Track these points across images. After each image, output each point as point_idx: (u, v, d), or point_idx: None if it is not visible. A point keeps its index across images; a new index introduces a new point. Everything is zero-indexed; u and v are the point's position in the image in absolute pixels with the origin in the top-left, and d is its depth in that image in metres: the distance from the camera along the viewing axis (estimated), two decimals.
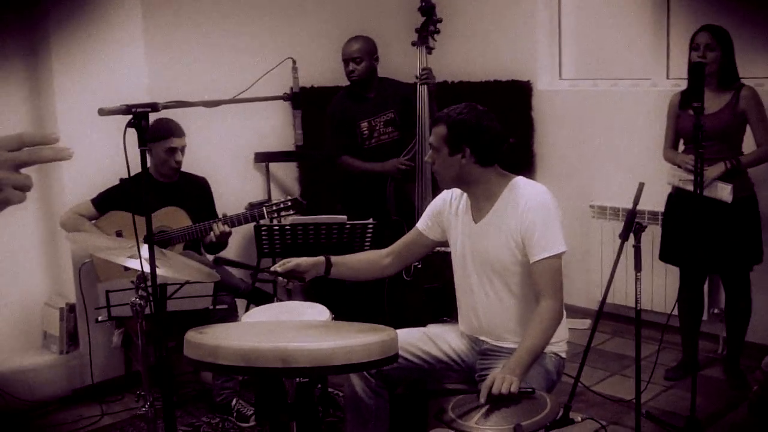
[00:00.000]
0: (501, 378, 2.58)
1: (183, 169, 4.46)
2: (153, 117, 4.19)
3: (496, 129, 2.95)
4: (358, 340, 2.46)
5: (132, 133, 2.37)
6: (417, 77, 4.45)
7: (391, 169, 4.55)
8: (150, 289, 3.29)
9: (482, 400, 2.56)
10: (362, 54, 4.64)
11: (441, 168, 2.98)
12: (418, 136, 4.38)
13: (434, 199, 3.23)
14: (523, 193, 2.92)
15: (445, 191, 3.16)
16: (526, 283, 2.92)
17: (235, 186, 5.30)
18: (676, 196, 4.45)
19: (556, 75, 5.75)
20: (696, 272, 4.40)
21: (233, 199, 4.95)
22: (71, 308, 4.53)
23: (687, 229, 4.24)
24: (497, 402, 2.56)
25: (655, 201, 4.96)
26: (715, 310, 4.80)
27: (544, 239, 2.83)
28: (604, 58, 5.61)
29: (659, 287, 5.01)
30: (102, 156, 4.17)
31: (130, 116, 2.35)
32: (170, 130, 4.30)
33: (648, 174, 4.92)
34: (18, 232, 4.53)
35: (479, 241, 2.98)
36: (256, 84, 2.98)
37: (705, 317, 4.75)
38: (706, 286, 4.68)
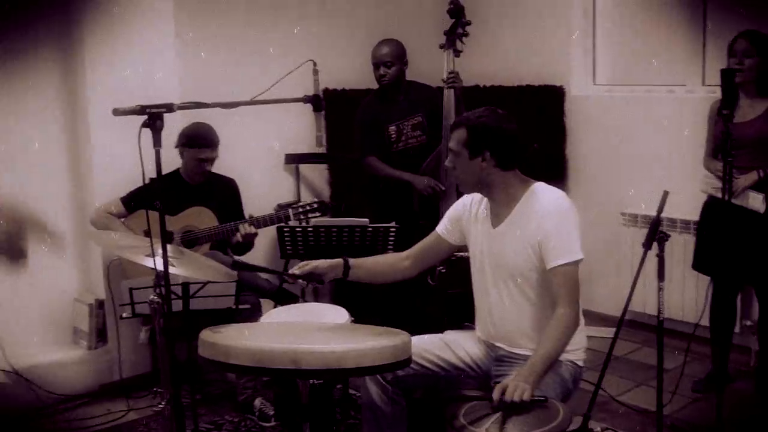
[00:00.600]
0: (513, 385, 2.56)
1: (214, 168, 4.51)
2: (191, 119, 4.32)
3: (516, 132, 2.93)
4: (369, 343, 2.46)
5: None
6: (444, 81, 4.44)
7: (422, 187, 4.53)
8: (169, 288, 3.35)
9: (494, 407, 2.54)
10: (393, 58, 4.65)
11: (461, 172, 2.97)
12: (444, 140, 4.37)
13: (454, 204, 3.22)
14: (542, 198, 2.89)
15: (465, 195, 3.14)
16: (543, 290, 2.89)
17: (265, 187, 5.34)
18: (710, 204, 4.38)
19: (590, 80, 5.69)
20: (729, 283, 4.32)
21: (263, 200, 4.98)
22: (100, 304, 4.60)
23: (720, 239, 4.16)
24: (509, 409, 2.54)
25: (687, 209, 4.90)
26: (748, 322, 4.71)
27: (561, 246, 2.80)
28: (638, 63, 5.54)
29: (690, 297, 4.93)
30: (133, 155, 4.22)
31: (145, 116, 2.36)
32: (204, 140, 4.34)
33: (682, 182, 4.88)
34: (50, 229, 4.60)
35: (497, 246, 2.96)
36: (283, 86, 2.99)
37: (737, 329, 4.66)
38: (739, 297, 4.60)
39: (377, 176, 4.75)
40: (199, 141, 4.33)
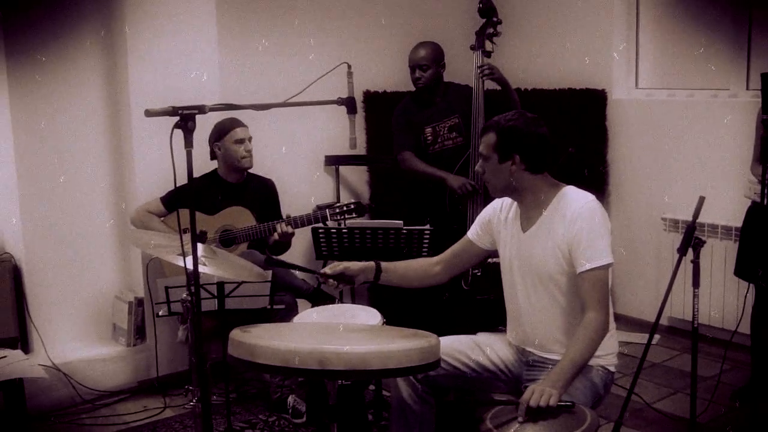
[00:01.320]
0: (540, 390, 2.54)
1: (254, 170, 4.55)
2: (216, 119, 4.39)
3: (546, 135, 2.92)
4: (396, 345, 2.46)
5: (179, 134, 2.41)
6: (477, 75, 4.44)
7: (457, 185, 4.52)
8: (202, 287, 3.39)
9: (520, 412, 2.53)
10: (429, 61, 4.65)
11: (491, 176, 2.96)
12: (473, 136, 4.37)
13: (485, 208, 3.21)
14: (572, 202, 2.87)
15: (495, 200, 3.13)
16: (573, 294, 2.87)
17: (305, 188, 5.38)
18: (753, 210, 4.30)
19: (633, 84, 5.63)
20: None
21: (303, 200, 5.01)
22: (140, 302, 4.67)
23: (764, 245, 4.08)
24: (535, 415, 2.53)
25: (729, 215, 4.83)
26: None
27: (591, 250, 2.78)
28: (682, 67, 5.47)
29: (731, 304, 4.86)
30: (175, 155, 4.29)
31: (177, 118, 2.39)
32: (232, 123, 4.41)
33: (723, 188, 4.82)
34: (92, 227, 4.70)
35: (526, 250, 2.95)
36: (320, 88, 3.01)
37: None
38: None
39: (413, 171, 4.74)
40: (228, 125, 4.40)
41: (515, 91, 4.67)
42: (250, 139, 4.45)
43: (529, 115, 2.94)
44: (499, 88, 4.62)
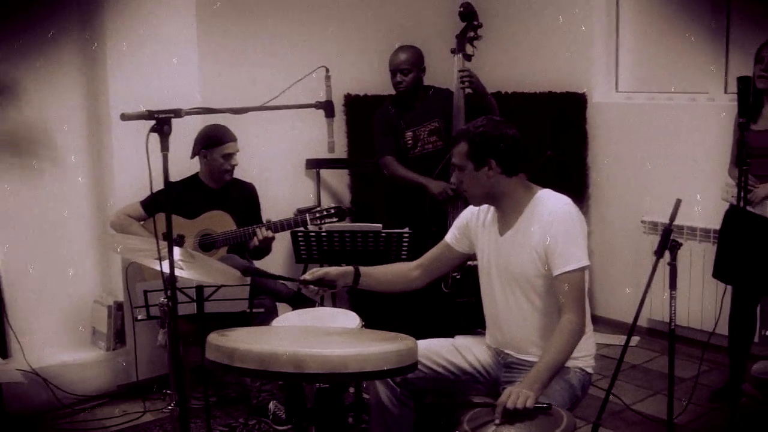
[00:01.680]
0: (517, 392, 2.55)
1: (235, 174, 4.55)
2: (204, 124, 4.39)
3: (517, 136, 2.92)
4: (373, 348, 2.47)
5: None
6: (458, 80, 4.45)
7: (438, 191, 4.52)
8: (181, 291, 3.39)
9: (497, 414, 2.54)
10: (410, 65, 4.65)
11: (469, 186, 2.96)
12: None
13: (462, 212, 3.22)
14: (548, 205, 2.89)
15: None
16: (550, 297, 2.89)
17: (286, 192, 5.38)
18: (731, 213, 4.33)
19: (612, 87, 5.67)
20: (749, 292, 4.28)
21: (284, 204, 5.00)
22: (119, 306, 4.65)
23: (741, 247, 4.12)
24: (512, 417, 2.53)
25: (707, 218, 4.87)
26: (767, 332, 4.66)
27: (567, 252, 2.79)
28: (661, 70, 5.51)
29: (710, 306, 4.89)
30: (153, 159, 4.27)
31: (153, 122, 2.39)
32: (225, 136, 4.40)
33: (702, 190, 4.86)
34: (71, 231, 4.68)
35: (504, 254, 2.96)
36: (299, 92, 3.01)
37: (756, 339, 4.61)
38: (759, 307, 4.54)
39: (394, 176, 4.75)
40: (220, 137, 4.39)
41: (492, 97, 4.68)
42: (237, 152, 4.45)
43: (497, 119, 2.97)
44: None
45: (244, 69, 5.18)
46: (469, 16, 4.53)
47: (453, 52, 4.55)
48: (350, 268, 3.20)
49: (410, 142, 4.73)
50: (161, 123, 2.41)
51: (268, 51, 5.30)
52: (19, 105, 4.47)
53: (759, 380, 3.26)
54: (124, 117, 2.42)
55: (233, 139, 4.43)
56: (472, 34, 4.54)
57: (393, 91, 4.83)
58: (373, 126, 4.84)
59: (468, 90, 4.51)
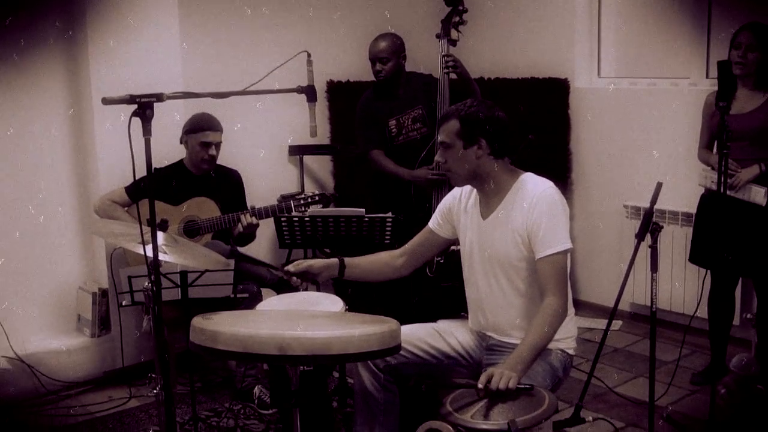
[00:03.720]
0: (499, 373, 2.57)
1: (219, 160, 4.55)
2: (194, 110, 4.38)
3: (506, 120, 2.95)
4: (356, 330, 2.48)
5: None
6: (442, 64, 4.46)
7: (421, 179, 4.54)
8: (165, 277, 3.39)
9: (478, 393, 2.56)
10: (389, 54, 4.63)
11: (455, 164, 2.97)
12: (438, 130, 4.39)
13: (445, 197, 3.23)
14: (531, 189, 2.91)
15: (455, 189, 3.16)
16: (532, 280, 2.91)
17: (269, 178, 5.39)
18: (709, 197, 4.37)
19: (595, 73, 5.69)
20: (727, 275, 4.32)
21: (267, 191, 5.02)
22: (104, 293, 4.65)
23: (719, 231, 4.15)
24: (495, 397, 2.56)
25: (689, 202, 4.90)
26: (748, 315, 4.70)
27: (550, 236, 2.82)
28: (643, 56, 5.54)
29: (692, 290, 4.93)
30: (136, 145, 4.27)
31: (135, 106, 2.39)
32: (206, 124, 4.39)
33: (685, 175, 4.89)
34: (55, 217, 4.67)
35: (486, 237, 2.98)
36: (281, 78, 3.01)
37: (737, 322, 4.66)
38: (738, 290, 4.59)
39: (382, 171, 4.76)
40: (201, 125, 4.39)
41: (475, 82, 4.69)
42: (218, 144, 4.44)
43: (488, 101, 2.98)
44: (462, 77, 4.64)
45: (226, 54, 5.18)
46: (454, 1, 4.54)
47: (438, 37, 4.56)
48: (335, 260, 3.21)
49: (394, 130, 4.74)
50: (143, 107, 2.41)
51: (251, 36, 5.30)
52: None
53: (737, 375, 3.28)
54: (106, 101, 2.42)
55: (214, 128, 4.42)
56: (457, 19, 4.55)
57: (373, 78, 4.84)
58: (357, 117, 4.84)
59: (453, 75, 4.52)
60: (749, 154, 4.11)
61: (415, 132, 4.73)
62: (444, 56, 4.51)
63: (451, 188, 3.24)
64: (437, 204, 3.31)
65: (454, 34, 4.55)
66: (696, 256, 4.45)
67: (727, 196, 4.01)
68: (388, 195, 4.74)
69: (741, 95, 4.17)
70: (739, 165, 4.10)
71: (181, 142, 4.46)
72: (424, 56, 4.93)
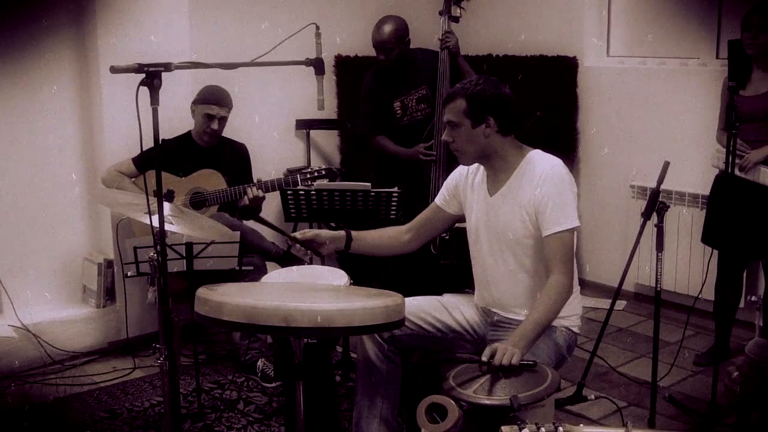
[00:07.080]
0: (503, 349, 2.57)
1: (226, 133, 4.54)
2: (203, 83, 4.37)
3: (513, 97, 2.93)
4: (360, 303, 2.49)
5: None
6: (443, 42, 4.45)
7: (414, 156, 4.57)
8: (170, 248, 3.40)
9: (482, 370, 2.56)
10: (393, 43, 4.59)
11: (463, 143, 2.94)
12: (437, 108, 4.39)
13: (451, 173, 3.22)
14: (539, 165, 2.89)
15: (462, 165, 3.14)
16: (539, 257, 2.90)
17: (275, 152, 5.38)
18: (721, 178, 4.34)
19: (604, 52, 5.65)
20: (736, 257, 4.31)
21: (274, 164, 5.00)
22: (109, 264, 4.66)
23: (730, 213, 4.14)
24: (498, 373, 2.56)
25: (696, 183, 4.89)
26: (753, 298, 4.69)
27: (557, 213, 2.81)
28: (652, 35, 5.49)
29: (697, 271, 4.92)
30: (144, 116, 4.26)
31: (143, 75, 2.38)
32: (214, 97, 4.39)
33: (692, 155, 4.88)
34: (61, 188, 4.67)
35: (493, 214, 2.97)
36: (290, 51, 2.99)
37: (742, 304, 4.65)
38: (744, 273, 4.58)
39: (387, 155, 4.77)
40: (209, 97, 4.39)
41: (467, 63, 4.67)
42: (222, 119, 4.43)
43: (492, 78, 2.96)
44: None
45: (235, 26, 5.15)
46: None
47: (441, 14, 4.54)
48: (342, 232, 3.21)
49: (399, 111, 4.73)
50: (151, 76, 2.40)
51: (259, 9, 5.26)
52: (5, 59, 4.43)
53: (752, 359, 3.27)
54: (114, 70, 2.41)
55: (221, 104, 4.41)
56: None
57: None
58: (361, 98, 4.83)
59: (454, 50, 4.51)
60: (764, 136, 4.08)
61: (420, 113, 4.72)
62: (445, 33, 4.49)
63: (449, 168, 3.22)
64: (437, 181, 3.31)
65: (455, 10, 4.53)
66: (708, 237, 4.43)
67: (738, 178, 4.00)
68: (392, 168, 4.75)
69: (756, 77, 4.14)
70: (749, 146, 4.08)
71: (192, 112, 4.46)
72: (428, 33, 4.89)
